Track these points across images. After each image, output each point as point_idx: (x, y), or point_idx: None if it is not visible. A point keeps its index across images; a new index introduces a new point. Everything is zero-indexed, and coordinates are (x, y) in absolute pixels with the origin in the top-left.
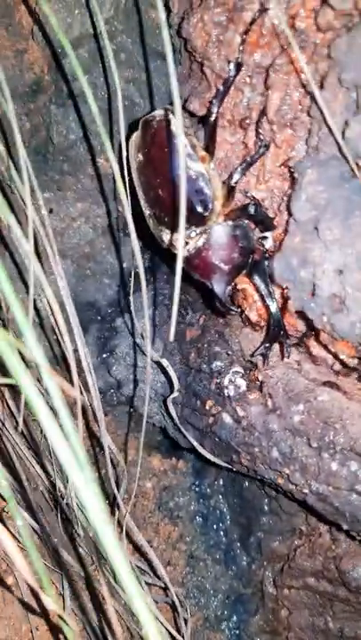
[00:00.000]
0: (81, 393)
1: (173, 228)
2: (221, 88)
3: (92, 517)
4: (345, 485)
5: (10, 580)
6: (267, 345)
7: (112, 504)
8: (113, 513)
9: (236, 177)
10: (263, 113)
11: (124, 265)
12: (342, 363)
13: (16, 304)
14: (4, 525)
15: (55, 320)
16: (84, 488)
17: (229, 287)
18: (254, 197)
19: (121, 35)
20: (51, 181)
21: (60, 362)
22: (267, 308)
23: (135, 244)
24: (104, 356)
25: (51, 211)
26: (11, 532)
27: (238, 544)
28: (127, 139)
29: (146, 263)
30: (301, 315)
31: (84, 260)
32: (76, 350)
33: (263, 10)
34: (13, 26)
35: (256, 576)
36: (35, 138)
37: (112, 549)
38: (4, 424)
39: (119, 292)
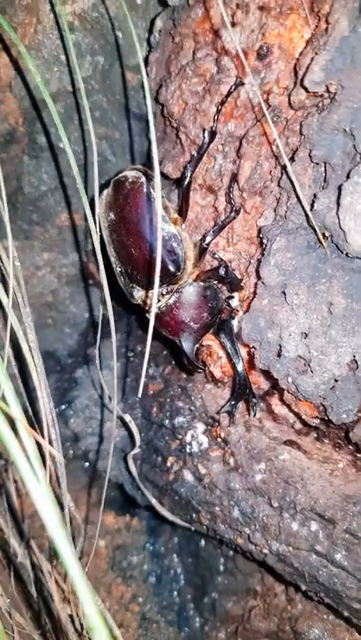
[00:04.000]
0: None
1: (144, 285)
2: (195, 154)
3: (80, 597)
4: (305, 546)
5: None
6: (233, 403)
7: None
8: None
9: (208, 239)
10: (234, 180)
11: (86, 315)
12: (303, 422)
13: None
14: None
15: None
16: (71, 568)
17: (197, 345)
18: (222, 259)
19: (97, 94)
20: (19, 230)
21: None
22: (233, 366)
23: (107, 291)
24: (62, 407)
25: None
26: None
27: (192, 605)
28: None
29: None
30: (266, 373)
31: (46, 308)
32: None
33: (239, 84)
34: None
35: (209, 638)
36: (5, 187)
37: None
38: None
39: (80, 342)
